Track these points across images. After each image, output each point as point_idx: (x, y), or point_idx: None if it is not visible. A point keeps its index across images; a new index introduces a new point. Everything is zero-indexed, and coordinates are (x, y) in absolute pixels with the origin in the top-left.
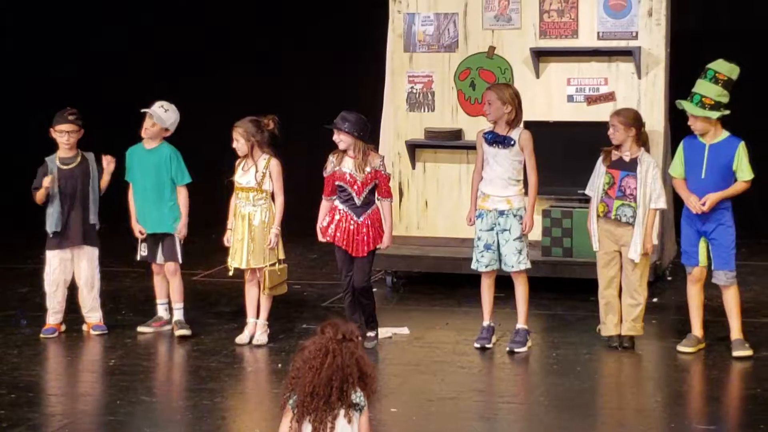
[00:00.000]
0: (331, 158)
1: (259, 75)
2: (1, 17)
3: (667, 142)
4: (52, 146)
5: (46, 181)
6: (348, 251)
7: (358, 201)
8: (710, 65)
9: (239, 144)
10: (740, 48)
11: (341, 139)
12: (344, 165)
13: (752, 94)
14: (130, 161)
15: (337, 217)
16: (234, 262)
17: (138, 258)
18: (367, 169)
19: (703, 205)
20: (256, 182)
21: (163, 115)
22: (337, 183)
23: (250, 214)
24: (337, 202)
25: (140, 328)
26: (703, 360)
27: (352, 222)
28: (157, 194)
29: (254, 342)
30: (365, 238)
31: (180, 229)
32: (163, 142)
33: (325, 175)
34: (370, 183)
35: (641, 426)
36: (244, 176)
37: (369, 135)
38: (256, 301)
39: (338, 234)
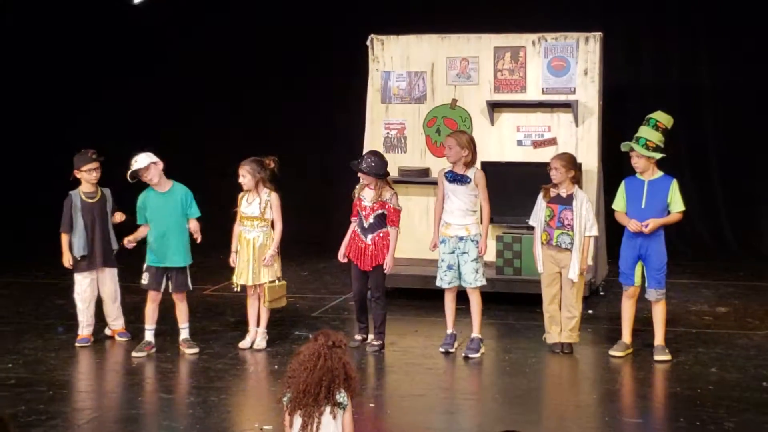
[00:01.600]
0: (357, 187)
1: (262, 124)
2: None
3: (600, 179)
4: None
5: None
6: (359, 266)
7: (365, 224)
8: (652, 115)
9: (246, 179)
10: (659, 101)
11: (363, 177)
12: (363, 194)
13: (672, 140)
14: (143, 206)
15: (353, 237)
16: (240, 279)
17: (141, 286)
18: (378, 199)
19: (646, 227)
20: (260, 212)
21: (142, 162)
22: (357, 209)
23: (254, 239)
24: (355, 226)
25: (134, 354)
26: (631, 363)
27: (361, 241)
28: (176, 231)
29: (255, 347)
30: (371, 255)
31: (195, 230)
32: (174, 183)
33: (353, 200)
34: (376, 210)
35: (580, 419)
36: (248, 207)
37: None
38: (257, 312)
39: (352, 251)
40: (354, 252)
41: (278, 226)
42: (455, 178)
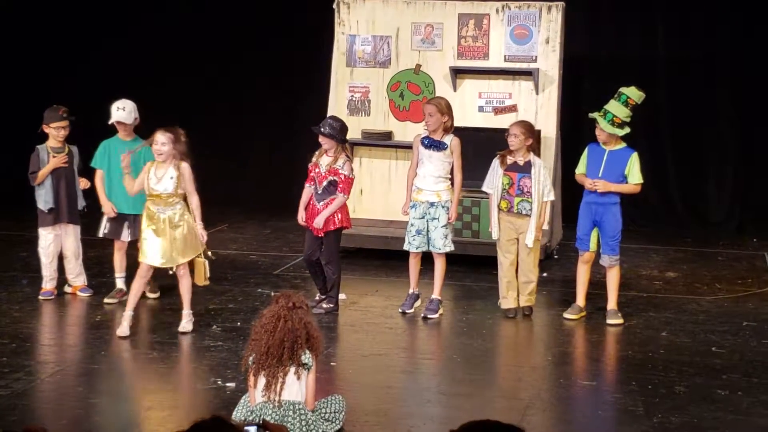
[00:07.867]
0: (316, 153)
1: (226, 82)
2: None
3: (558, 146)
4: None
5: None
6: (312, 231)
7: (319, 189)
8: (624, 90)
9: (166, 148)
10: (616, 72)
11: (324, 141)
12: (321, 160)
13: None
14: (105, 151)
15: (309, 203)
16: (171, 263)
17: (101, 235)
18: (332, 165)
19: (596, 185)
20: (173, 188)
21: (125, 115)
22: (312, 174)
23: (169, 217)
24: (310, 191)
25: (106, 300)
26: (585, 326)
27: (314, 208)
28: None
29: (180, 329)
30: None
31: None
32: (136, 136)
33: (309, 165)
34: (328, 177)
35: (536, 380)
36: (159, 184)
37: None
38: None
39: (307, 217)
40: (309, 218)
41: (195, 198)
42: (431, 143)
